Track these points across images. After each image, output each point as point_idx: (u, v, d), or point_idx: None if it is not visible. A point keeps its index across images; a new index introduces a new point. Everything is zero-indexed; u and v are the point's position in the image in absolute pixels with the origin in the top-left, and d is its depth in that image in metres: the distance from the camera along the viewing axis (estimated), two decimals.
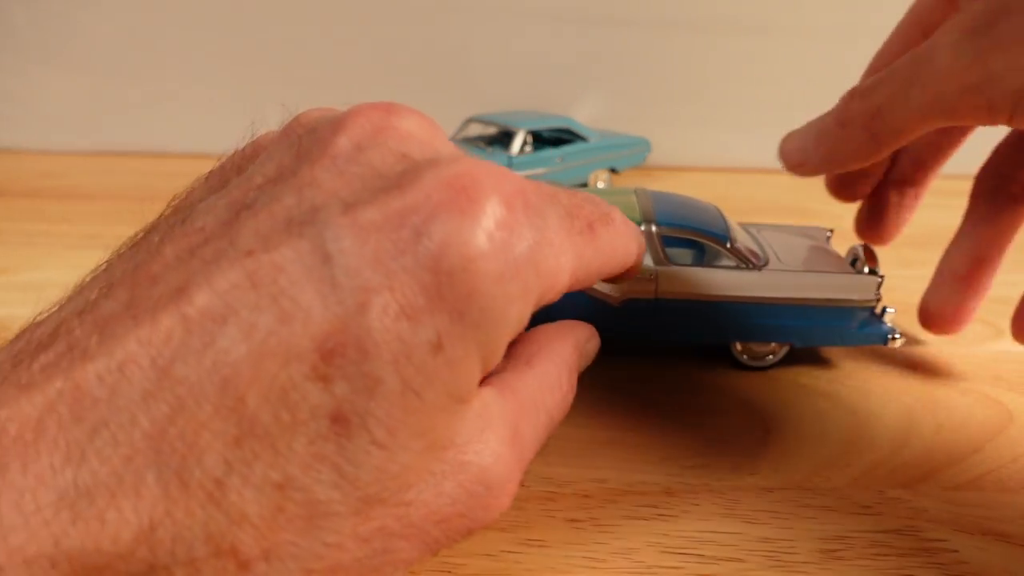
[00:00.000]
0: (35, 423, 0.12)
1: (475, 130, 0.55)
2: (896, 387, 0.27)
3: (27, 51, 0.59)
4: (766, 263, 0.28)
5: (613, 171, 0.55)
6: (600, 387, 0.27)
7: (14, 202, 0.48)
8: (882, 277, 0.28)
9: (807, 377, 0.28)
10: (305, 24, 0.59)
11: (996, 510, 0.22)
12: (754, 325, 0.28)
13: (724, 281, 0.27)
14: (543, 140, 0.53)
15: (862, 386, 0.28)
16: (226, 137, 0.68)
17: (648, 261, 0.27)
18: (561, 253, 0.16)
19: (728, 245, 0.27)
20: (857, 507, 0.22)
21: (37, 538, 0.12)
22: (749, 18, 0.58)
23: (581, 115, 0.60)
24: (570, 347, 0.20)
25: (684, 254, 0.28)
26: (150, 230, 0.17)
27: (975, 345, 0.31)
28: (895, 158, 0.31)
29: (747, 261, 0.27)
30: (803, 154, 0.26)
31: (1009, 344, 0.31)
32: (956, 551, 0.20)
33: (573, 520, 0.21)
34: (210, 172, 0.18)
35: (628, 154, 0.56)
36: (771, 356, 0.29)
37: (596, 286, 0.26)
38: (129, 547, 0.12)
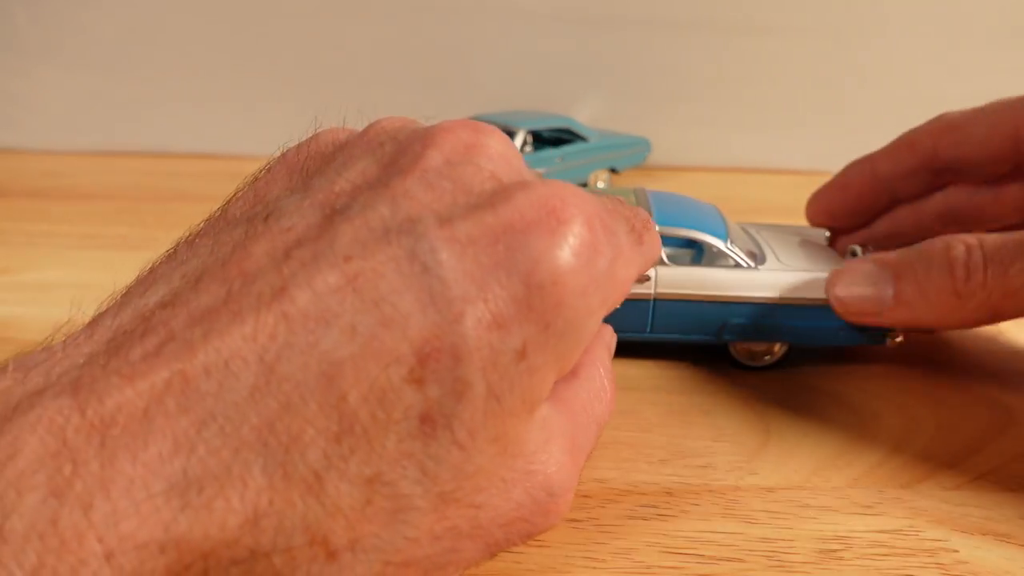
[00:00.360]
0: (142, 413, 0.13)
1: None
2: (896, 387, 0.27)
3: (29, 51, 0.59)
4: (764, 263, 0.28)
5: (613, 171, 0.55)
6: None
7: (16, 202, 0.48)
8: None
9: (807, 377, 0.28)
10: (305, 24, 0.59)
11: (996, 510, 0.22)
12: (752, 325, 0.28)
13: (722, 281, 0.27)
14: (543, 140, 0.53)
15: (862, 386, 0.28)
16: (228, 137, 0.68)
17: None
18: (630, 265, 0.18)
19: (726, 245, 0.27)
20: (857, 507, 0.22)
21: (147, 525, 0.12)
22: (749, 18, 0.58)
23: (581, 115, 0.60)
24: (605, 351, 0.21)
25: (682, 254, 0.28)
26: (224, 223, 0.17)
27: (975, 345, 0.31)
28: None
29: (745, 261, 0.27)
30: (877, 304, 0.25)
31: (1009, 344, 0.31)
32: (956, 551, 0.20)
33: (573, 520, 0.21)
34: (275, 167, 0.19)
35: (628, 154, 0.56)
36: (769, 356, 0.29)
37: None
38: (235, 534, 0.13)
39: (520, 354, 0.15)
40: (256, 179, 0.19)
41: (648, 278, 0.27)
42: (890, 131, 0.32)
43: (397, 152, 0.17)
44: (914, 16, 0.56)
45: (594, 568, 0.19)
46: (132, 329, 0.14)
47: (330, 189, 0.17)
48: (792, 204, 0.35)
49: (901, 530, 0.21)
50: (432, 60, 0.59)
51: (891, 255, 0.25)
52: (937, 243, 0.24)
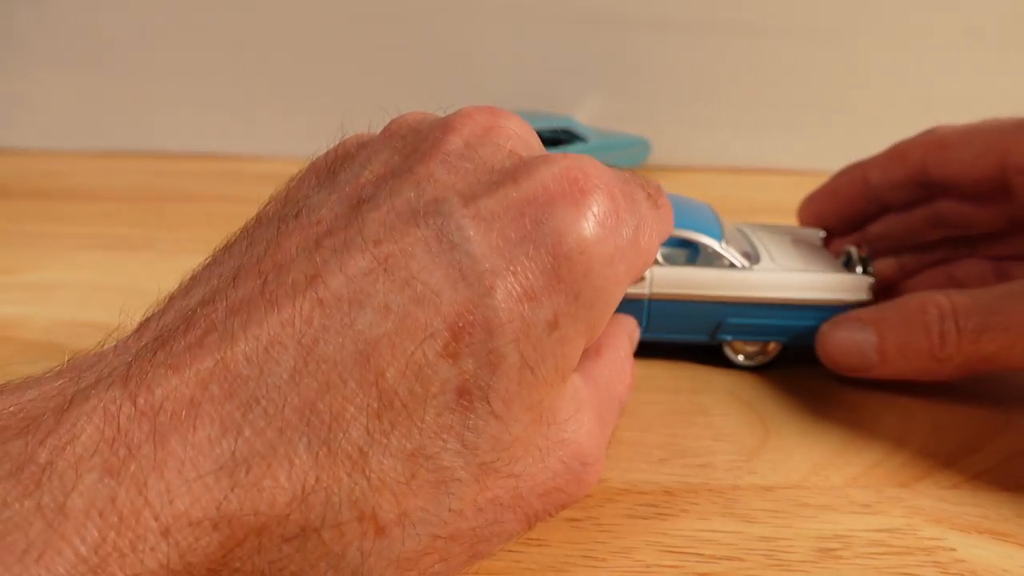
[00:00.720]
0: (189, 400, 0.13)
1: None
2: (894, 386, 0.27)
3: (30, 52, 0.59)
4: (759, 263, 0.28)
5: None
6: None
7: (17, 202, 0.48)
8: (875, 277, 0.28)
9: (806, 377, 0.28)
10: (306, 25, 0.59)
11: (993, 509, 0.22)
12: (747, 324, 0.28)
13: (717, 280, 0.27)
14: (543, 140, 0.52)
15: (860, 385, 0.28)
16: (228, 138, 0.68)
17: None
18: (652, 230, 0.18)
19: (721, 245, 0.27)
20: (856, 506, 0.22)
21: (200, 503, 0.13)
22: (749, 19, 0.58)
23: (581, 115, 0.60)
24: (626, 338, 0.22)
25: (678, 254, 0.28)
26: (258, 225, 0.18)
27: None
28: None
29: (739, 261, 0.27)
30: (864, 361, 0.26)
31: None
32: (954, 549, 0.20)
33: (572, 519, 0.21)
34: (304, 173, 0.20)
35: (628, 154, 0.56)
36: (762, 355, 0.29)
37: None
38: (284, 511, 0.13)
39: (552, 324, 0.15)
40: (287, 186, 0.20)
41: (643, 278, 0.27)
42: (889, 132, 0.32)
43: (418, 141, 0.18)
44: (913, 18, 0.57)
45: (593, 567, 0.19)
46: (176, 327, 0.15)
47: (356, 182, 0.17)
48: (791, 204, 0.35)
49: (899, 529, 0.21)
50: (432, 60, 0.59)
51: (872, 312, 0.26)
52: (912, 303, 0.25)
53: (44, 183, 0.53)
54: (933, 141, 0.30)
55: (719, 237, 0.28)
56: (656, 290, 0.27)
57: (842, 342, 0.26)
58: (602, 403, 0.19)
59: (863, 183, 0.31)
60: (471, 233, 0.15)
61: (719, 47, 0.58)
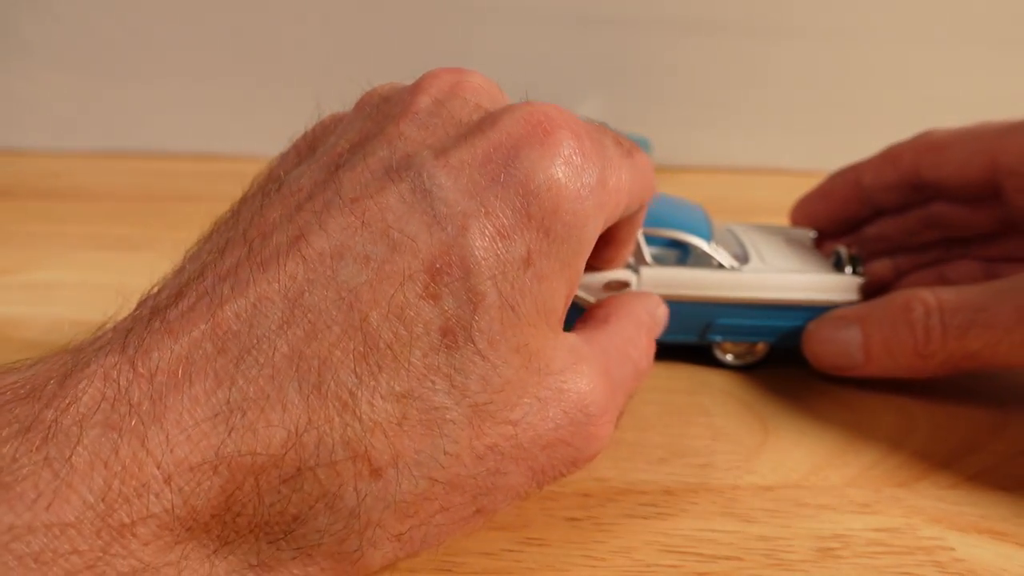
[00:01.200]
0: (185, 359, 0.14)
1: None
2: (893, 386, 0.27)
3: (30, 52, 0.59)
4: (747, 263, 0.28)
5: None
6: None
7: (17, 202, 0.48)
8: (865, 278, 0.28)
9: (805, 377, 0.28)
10: (306, 25, 0.59)
11: (992, 508, 0.22)
12: (734, 325, 0.28)
13: (705, 281, 0.27)
14: None
15: (859, 385, 0.28)
16: (228, 138, 0.68)
17: (630, 261, 0.27)
18: (621, 172, 0.18)
19: (709, 245, 0.27)
20: (855, 505, 0.22)
21: (199, 448, 0.13)
22: (750, 20, 0.58)
23: (581, 115, 0.60)
24: (641, 309, 0.22)
25: (668, 254, 0.28)
26: (242, 203, 0.19)
27: None
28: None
29: (728, 261, 0.27)
30: (850, 360, 0.26)
31: None
32: (952, 549, 0.20)
33: (572, 519, 0.21)
34: (285, 152, 0.20)
35: None
36: (751, 356, 0.29)
37: (579, 292, 0.26)
38: (279, 452, 0.14)
39: (526, 261, 0.16)
40: (269, 166, 0.20)
41: (627, 284, 0.27)
42: (889, 133, 0.32)
43: (389, 107, 0.19)
44: (913, 18, 0.57)
45: (593, 567, 0.19)
46: (169, 299, 0.15)
47: (333, 152, 0.18)
48: (790, 205, 0.35)
49: (898, 528, 0.21)
50: (433, 61, 0.59)
51: (858, 310, 0.26)
52: (898, 300, 0.25)
53: (43, 183, 0.53)
54: (925, 144, 0.30)
55: (708, 237, 0.28)
56: (645, 290, 0.27)
57: (827, 340, 0.27)
58: (609, 361, 0.19)
59: (856, 185, 0.32)
60: (443, 181, 0.16)
61: (719, 47, 0.58)
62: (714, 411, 0.26)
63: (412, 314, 0.15)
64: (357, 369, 0.15)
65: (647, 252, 0.27)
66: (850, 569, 0.19)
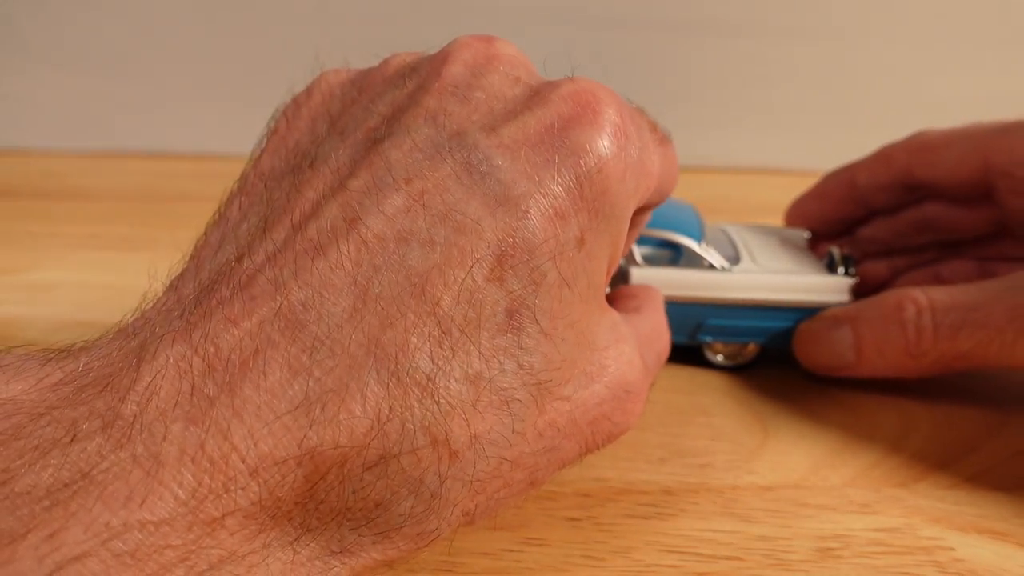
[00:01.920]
0: (254, 350, 0.14)
1: None
2: (893, 386, 0.27)
3: (31, 52, 0.59)
4: (738, 264, 0.28)
5: None
6: None
7: (17, 202, 0.48)
8: (856, 279, 0.28)
9: (804, 377, 0.28)
10: (305, 25, 0.59)
11: (991, 508, 0.22)
12: (725, 326, 0.28)
13: (695, 281, 0.27)
14: None
15: (859, 386, 0.28)
16: (228, 138, 0.68)
17: (620, 261, 0.27)
18: (654, 156, 0.19)
19: (700, 246, 0.28)
20: (855, 506, 0.22)
21: (283, 443, 0.13)
22: (750, 20, 0.58)
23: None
24: (661, 304, 0.23)
25: (657, 254, 0.28)
26: (271, 177, 0.18)
27: None
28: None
29: (718, 262, 0.27)
30: (841, 360, 0.26)
31: None
32: (952, 549, 0.20)
33: (573, 519, 0.21)
34: (294, 117, 0.20)
35: None
36: (741, 356, 0.29)
37: None
38: (362, 441, 0.14)
39: (580, 241, 0.16)
40: (275, 132, 0.20)
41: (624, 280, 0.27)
42: (889, 133, 0.32)
43: (419, 77, 0.18)
44: (913, 19, 0.57)
45: (593, 567, 0.19)
46: (218, 281, 0.15)
47: (366, 125, 0.18)
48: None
49: (898, 528, 0.21)
50: None
51: (849, 309, 0.26)
52: (890, 299, 0.25)
53: (43, 183, 0.53)
54: (919, 144, 0.30)
55: (699, 238, 0.28)
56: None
57: (818, 340, 0.27)
58: (643, 344, 0.20)
59: (850, 185, 0.32)
60: (499, 162, 0.16)
61: (720, 48, 0.59)
62: (714, 411, 0.26)
63: (481, 297, 0.15)
64: (433, 354, 0.15)
65: (637, 252, 0.27)
66: (850, 569, 0.19)
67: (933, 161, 0.29)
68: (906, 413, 0.26)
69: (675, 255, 0.28)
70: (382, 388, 0.14)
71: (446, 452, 0.15)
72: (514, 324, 0.15)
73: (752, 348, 0.29)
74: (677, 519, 0.21)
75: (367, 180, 0.16)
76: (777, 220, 0.34)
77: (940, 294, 0.24)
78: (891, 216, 0.32)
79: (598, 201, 0.16)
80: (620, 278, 0.28)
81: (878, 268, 0.32)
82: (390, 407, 0.14)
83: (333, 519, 0.14)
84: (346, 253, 0.15)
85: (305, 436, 0.14)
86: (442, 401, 0.15)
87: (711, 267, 0.27)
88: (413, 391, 0.14)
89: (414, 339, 0.14)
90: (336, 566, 0.15)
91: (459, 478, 0.15)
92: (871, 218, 0.32)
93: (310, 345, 0.14)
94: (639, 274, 0.27)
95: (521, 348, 0.15)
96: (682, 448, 0.24)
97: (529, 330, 0.16)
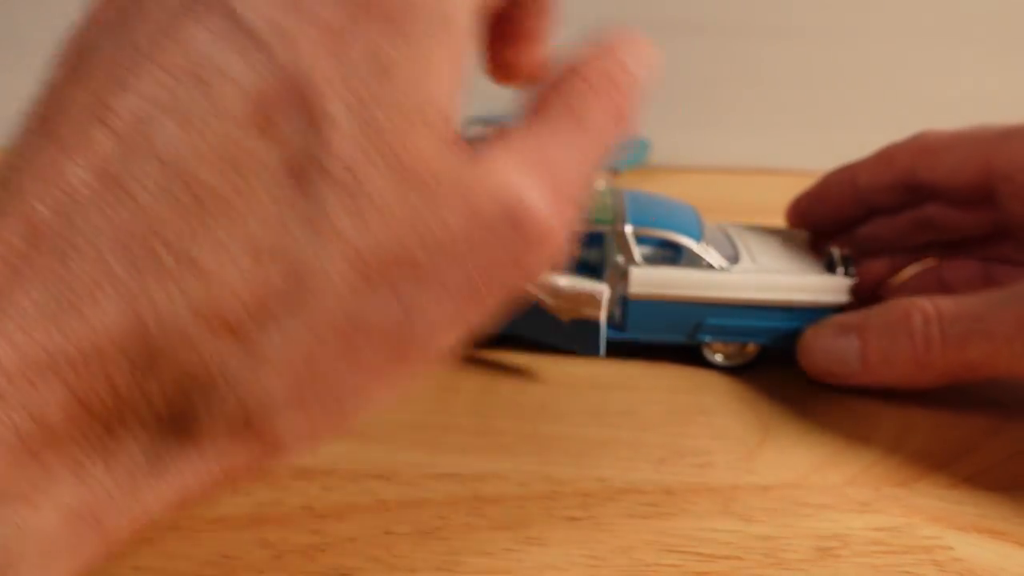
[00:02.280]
0: (2, 266, 0.12)
1: (477, 131, 0.55)
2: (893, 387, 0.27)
3: (30, 52, 0.59)
4: (737, 263, 0.28)
5: (614, 171, 0.55)
6: (599, 387, 0.27)
7: None
8: (855, 279, 0.28)
9: (804, 376, 0.28)
10: None
11: (991, 508, 0.22)
12: (724, 326, 0.28)
13: (694, 281, 0.27)
14: None
15: (858, 385, 0.28)
16: None
17: (619, 260, 0.27)
18: None
19: (699, 245, 0.28)
20: (854, 505, 0.22)
21: (31, 350, 0.12)
22: (750, 20, 0.58)
23: None
24: (610, 100, 0.19)
25: (656, 254, 0.28)
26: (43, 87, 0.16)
27: None
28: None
29: (717, 262, 0.27)
30: (847, 368, 0.26)
31: None
32: (952, 548, 0.20)
33: (573, 518, 0.21)
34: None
35: (628, 154, 0.56)
36: (740, 357, 0.29)
37: (540, 295, 0.26)
38: (123, 340, 0.12)
39: (372, 59, 0.14)
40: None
41: (599, 303, 0.26)
42: (889, 133, 0.32)
43: None
44: (913, 19, 0.57)
45: (593, 566, 0.19)
46: None
47: (113, 6, 0.15)
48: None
49: (898, 528, 0.21)
50: None
51: (856, 318, 0.26)
52: (898, 309, 0.25)
53: None
54: (921, 146, 0.30)
55: (698, 237, 0.28)
56: (634, 290, 0.27)
57: (824, 348, 0.27)
58: (542, 152, 0.16)
59: (851, 185, 0.32)
60: (252, 1, 0.14)
61: (718, 47, 0.59)
62: (714, 411, 0.26)
63: (248, 159, 0.13)
64: (195, 233, 0.13)
65: (637, 252, 0.27)
66: (849, 568, 0.19)
67: (935, 163, 0.29)
68: (906, 413, 0.26)
69: (675, 255, 0.28)
70: (134, 276, 0.13)
71: (223, 329, 0.13)
72: (298, 182, 0.13)
73: (752, 348, 0.29)
74: (677, 518, 0.21)
75: (108, 58, 0.14)
76: (777, 220, 0.34)
77: (948, 304, 0.24)
78: (891, 216, 0.32)
79: (389, 4, 0.14)
80: (620, 278, 0.28)
81: (878, 267, 0.32)
82: (147, 298, 0.13)
83: (125, 431, 0.13)
84: (93, 147, 0.13)
85: (50, 339, 0.12)
86: (211, 280, 0.13)
87: (710, 267, 0.27)
88: (171, 274, 0.13)
89: (172, 225, 0.13)
90: (155, 486, 0.13)
91: (249, 356, 0.13)
92: (871, 217, 0.32)
93: (61, 252, 0.12)
94: (638, 273, 0.27)
95: (316, 208, 0.13)
96: (682, 448, 0.24)
97: (318, 185, 0.13)
